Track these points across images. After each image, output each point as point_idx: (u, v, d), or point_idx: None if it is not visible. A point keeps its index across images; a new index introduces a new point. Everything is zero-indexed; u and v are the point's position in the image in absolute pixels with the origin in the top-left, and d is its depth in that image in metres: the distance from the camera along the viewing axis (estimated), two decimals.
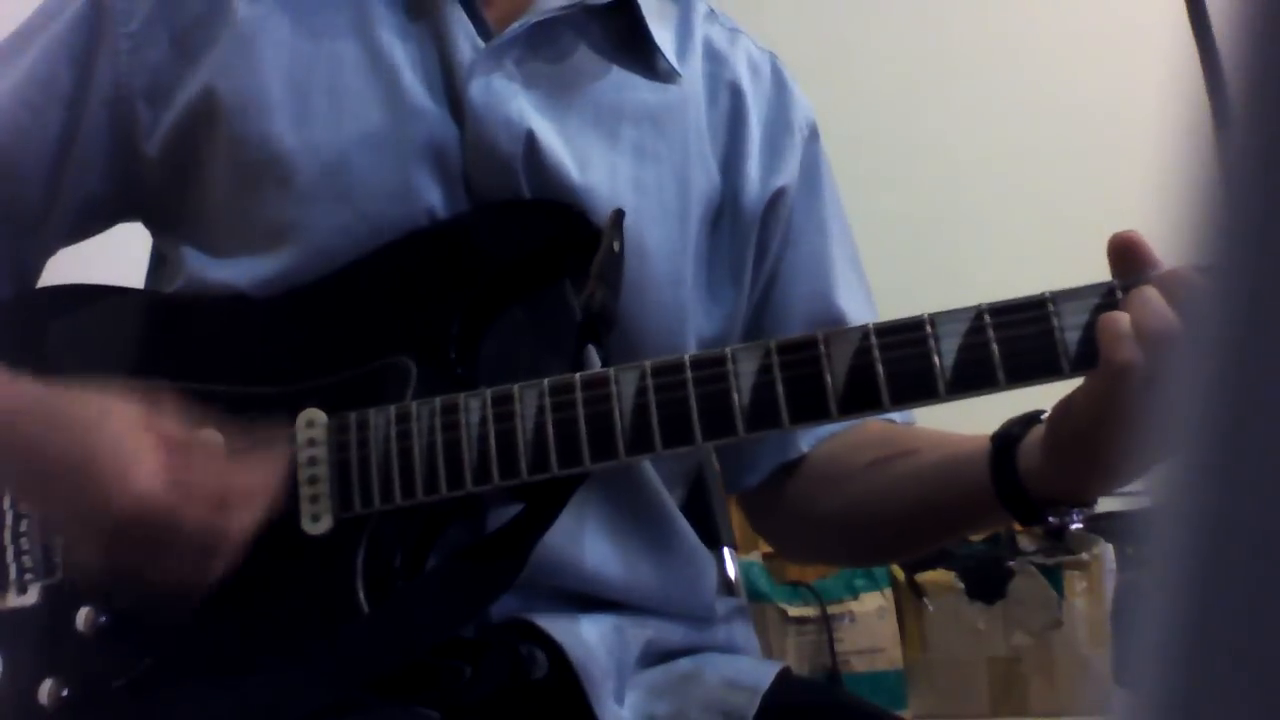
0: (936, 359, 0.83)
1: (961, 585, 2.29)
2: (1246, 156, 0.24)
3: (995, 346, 0.82)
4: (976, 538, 2.36)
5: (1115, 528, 2.21)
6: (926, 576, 2.32)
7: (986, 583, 2.28)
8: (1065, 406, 0.84)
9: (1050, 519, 0.88)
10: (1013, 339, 0.82)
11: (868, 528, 1.03)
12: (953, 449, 0.95)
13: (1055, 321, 0.81)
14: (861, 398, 0.84)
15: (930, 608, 2.31)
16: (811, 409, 0.85)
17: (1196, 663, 0.24)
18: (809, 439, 1.04)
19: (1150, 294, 0.78)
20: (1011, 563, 2.27)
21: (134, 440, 0.83)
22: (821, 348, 0.85)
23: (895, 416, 1.05)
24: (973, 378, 0.82)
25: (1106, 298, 0.81)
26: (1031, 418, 0.88)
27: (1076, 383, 0.84)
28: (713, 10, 1.11)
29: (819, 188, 1.09)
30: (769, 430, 0.86)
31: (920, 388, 0.83)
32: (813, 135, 1.10)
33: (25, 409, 0.88)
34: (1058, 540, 2.30)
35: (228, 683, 0.88)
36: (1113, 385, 0.78)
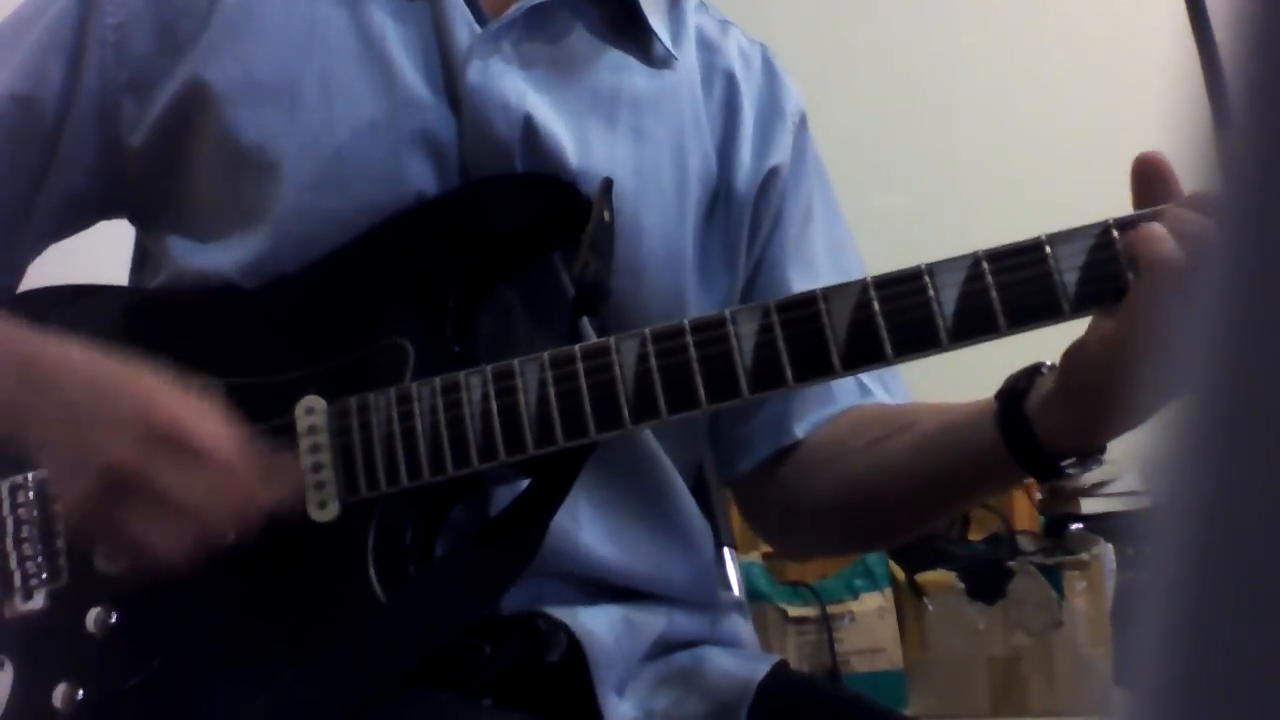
0: (937, 307, 0.83)
1: (961, 585, 2.29)
2: (1246, 156, 0.24)
3: (995, 292, 0.82)
4: (976, 537, 2.36)
5: (1115, 528, 2.21)
6: (926, 576, 2.32)
7: (986, 583, 2.27)
8: (1080, 348, 0.83)
9: (1067, 471, 0.87)
10: (1012, 283, 0.82)
11: (872, 506, 1.02)
12: (954, 414, 0.94)
13: (1053, 264, 0.81)
14: (864, 351, 0.84)
15: (930, 608, 2.31)
16: (815, 365, 0.85)
17: (1196, 662, 0.24)
18: (804, 425, 1.04)
19: (1180, 211, 0.78)
20: (1011, 563, 2.27)
21: (174, 383, 0.85)
22: (821, 304, 0.85)
23: (887, 399, 1.05)
24: (974, 324, 0.82)
25: (1102, 237, 0.81)
26: (1033, 370, 0.88)
27: (1075, 329, 0.84)
28: (702, 1, 1.12)
29: (805, 176, 1.09)
30: (774, 390, 0.86)
31: (923, 337, 0.83)
32: (802, 124, 1.10)
33: (67, 346, 0.89)
34: (1058, 540, 2.30)
35: (248, 678, 0.87)
36: (1148, 302, 0.77)
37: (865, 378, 1.04)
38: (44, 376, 0.87)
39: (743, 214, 1.04)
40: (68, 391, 0.86)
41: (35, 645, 0.92)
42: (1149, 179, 0.80)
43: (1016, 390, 0.88)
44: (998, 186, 2.78)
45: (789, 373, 0.85)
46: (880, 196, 2.71)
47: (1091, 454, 0.86)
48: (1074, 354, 0.83)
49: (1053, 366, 0.88)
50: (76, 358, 0.88)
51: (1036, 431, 0.86)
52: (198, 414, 0.84)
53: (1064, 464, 0.87)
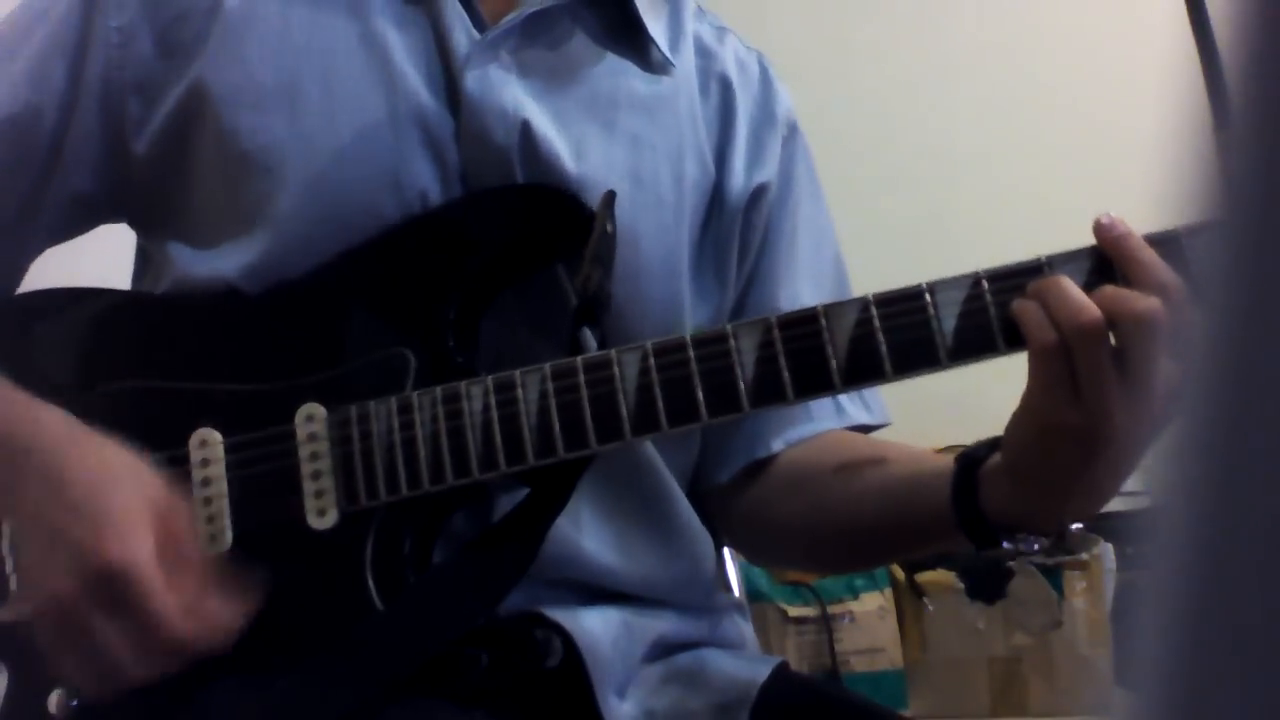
0: (937, 326, 0.83)
1: (961, 585, 2.29)
2: (1246, 156, 0.24)
3: (994, 312, 0.82)
4: None
5: (1115, 528, 2.21)
6: (926, 576, 2.32)
7: (986, 583, 2.27)
8: (1015, 430, 0.84)
9: (1006, 544, 0.88)
10: (1011, 304, 0.82)
11: (829, 535, 1.02)
12: (920, 465, 0.95)
13: None
14: (864, 368, 0.84)
15: (930, 608, 2.31)
16: (816, 382, 0.85)
17: (1197, 662, 0.24)
18: (781, 440, 1.04)
19: (1066, 285, 0.80)
20: (1011, 563, 2.27)
21: (144, 513, 0.82)
22: (822, 321, 0.85)
23: (867, 417, 1.06)
24: (973, 344, 0.83)
25: (1098, 262, 0.82)
26: (997, 441, 0.87)
27: None
28: (701, 8, 1.12)
29: (794, 189, 1.09)
30: (774, 405, 0.86)
31: (922, 356, 0.83)
32: (792, 133, 1.10)
33: (49, 428, 0.87)
34: (1058, 540, 2.30)
35: (245, 684, 0.87)
36: (1042, 378, 0.80)
37: (844, 399, 1.05)
38: (14, 462, 0.86)
39: (732, 225, 1.05)
40: (28, 493, 0.85)
41: (31, 650, 0.92)
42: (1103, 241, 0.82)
43: (975, 457, 0.88)
44: (997, 187, 2.78)
45: (789, 389, 0.85)
46: (880, 198, 2.71)
47: (1037, 532, 0.87)
48: (1009, 430, 0.84)
49: None
50: (46, 447, 0.86)
51: (983, 502, 0.87)
52: (143, 555, 0.80)
53: (1004, 537, 0.87)
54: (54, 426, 0.88)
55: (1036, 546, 0.87)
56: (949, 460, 0.90)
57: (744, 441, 1.05)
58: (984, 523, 0.87)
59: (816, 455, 1.03)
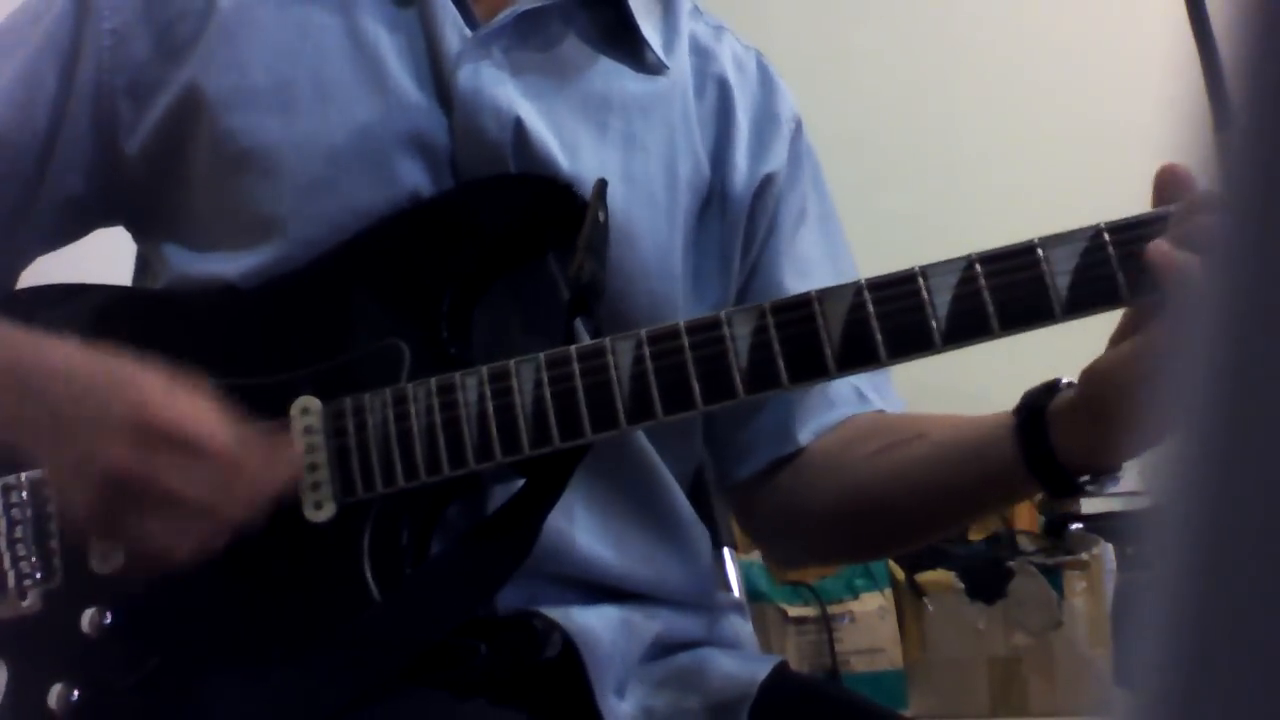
0: (931, 309, 0.83)
1: (961, 585, 2.29)
2: (1247, 156, 0.24)
3: (988, 294, 0.82)
4: (976, 537, 2.36)
5: (1115, 528, 2.21)
6: (926, 576, 2.32)
7: (986, 583, 2.28)
8: (1100, 368, 0.83)
9: (1085, 488, 0.87)
10: (1005, 286, 0.82)
11: (881, 516, 1.01)
12: (969, 428, 0.94)
13: (1045, 267, 0.82)
14: (858, 352, 0.84)
15: (930, 608, 2.31)
16: (810, 367, 0.85)
17: (1195, 662, 0.24)
18: (807, 432, 1.03)
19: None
20: (1011, 563, 2.27)
21: (165, 380, 0.83)
22: (816, 306, 0.85)
23: (884, 407, 1.05)
24: (967, 327, 0.83)
25: (1094, 240, 0.81)
26: (1052, 386, 0.87)
27: (1071, 334, 0.84)
28: (697, 7, 1.12)
29: (800, 180, 1.09)
30: (769, 391, 0.86)
31: (916, 339, 0.83)
32: (798, 129, 1.10)
33: (32, 343, 0.88)
34: (1058, 540, 2.30)
35: (244, 677, 0.87)
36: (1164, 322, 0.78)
37: (863, 386, 1.05)
38: (28, 380, 0.86)
39: (738, 219, 1.04)
40: (54, 396, 0.85)
41: (30, 646, 0.92)
42: (1166, 188, 0.80)
43: (1036, 406, 0.87)
44: (998, 187, 2.78)
45: (784, 374, 0.85)
46: (880, 197, 2.71)
47: (1108, 471, 0.86)
48: (1093, 374, 0.83)
49: (1070, 383, 0.87)
50: (60, 359, 0.87)
51: (1055, 447, 0.86)
52: (190, 408, 0.82)
53: (1081, 480, 0.86)
54: (57, 342, 0.88)
55: (1111, 485, 0.86)
56: (999, 416, 0.90)
57: (767, 437, 1.04)
58: (1059, 469, 0.86)
59: (849, 439, 1.02)
